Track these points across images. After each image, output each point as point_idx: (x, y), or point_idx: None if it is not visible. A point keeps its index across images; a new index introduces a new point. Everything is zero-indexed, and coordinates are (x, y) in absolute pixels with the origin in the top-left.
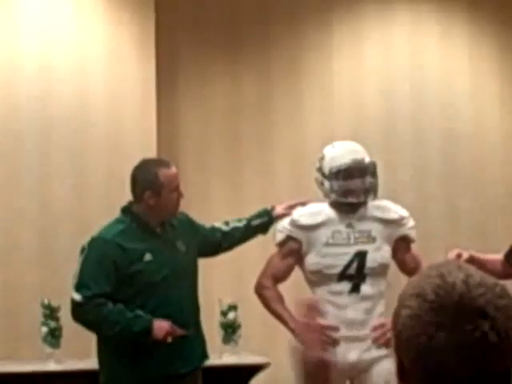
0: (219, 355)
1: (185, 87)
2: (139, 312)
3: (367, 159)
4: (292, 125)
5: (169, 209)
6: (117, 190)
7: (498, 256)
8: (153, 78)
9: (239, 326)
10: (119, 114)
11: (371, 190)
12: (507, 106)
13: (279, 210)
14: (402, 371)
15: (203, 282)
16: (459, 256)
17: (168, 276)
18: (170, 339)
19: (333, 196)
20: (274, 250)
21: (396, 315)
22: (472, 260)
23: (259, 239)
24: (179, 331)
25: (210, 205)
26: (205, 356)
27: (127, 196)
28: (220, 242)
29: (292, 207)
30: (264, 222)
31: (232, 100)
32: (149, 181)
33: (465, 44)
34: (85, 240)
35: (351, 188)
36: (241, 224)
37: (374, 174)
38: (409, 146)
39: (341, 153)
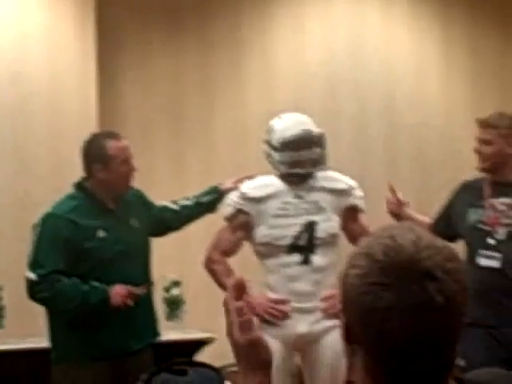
0: (163, 331)
1: (126, 63)
2: (95, 283)
3: (315, 130)
4: (234, 100)
5: (119, 182)
6: (58, 166)
7: (428, 219)
8: (93, 51)
9: (183, 302)
10: (59, 89)
11: (320, 161)
12: (446, 70)
13: (227, 184)
14: (348, 332)
15: None
16: (399, 203)
17: (121, 252)
18: (130, 302)
19: (282, 167)
20: (217, 225)
21: (344, 275)
22: (408, 217)
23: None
24: (137, 290)
25: (152, 181)
26: (156, 333)
27: (66, 172)
28: (170, 221)
29: (240, 181)
30: (213, 198)
31: (174, 75)
32: (98, 154)
33: (405, 13)
34: (26, 216)
35: (300, 159)
36: (190, 202)
37: (322, 145)
38: (351, 116)
39: (289, 124)
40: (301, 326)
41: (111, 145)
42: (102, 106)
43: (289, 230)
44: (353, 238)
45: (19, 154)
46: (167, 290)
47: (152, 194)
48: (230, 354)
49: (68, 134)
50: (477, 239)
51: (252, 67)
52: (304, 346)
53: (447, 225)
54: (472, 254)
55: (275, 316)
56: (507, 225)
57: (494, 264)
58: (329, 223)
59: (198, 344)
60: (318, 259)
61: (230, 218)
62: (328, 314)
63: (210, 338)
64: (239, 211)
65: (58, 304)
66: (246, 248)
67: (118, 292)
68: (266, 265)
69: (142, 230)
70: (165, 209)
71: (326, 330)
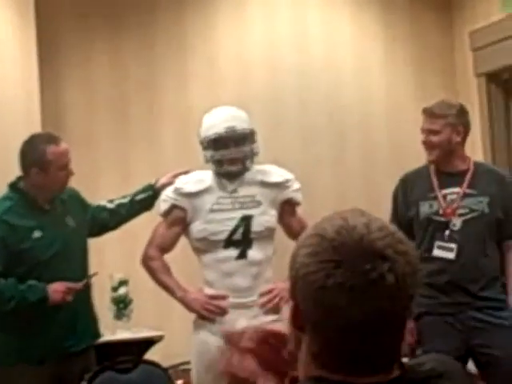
0: (112, 331)
1: (68, 62)
2: (32, 282)
3: (242, 126)
4: (178, 93)
5: (56, 186)
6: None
7: None
8: (34, 50)
9: (131, 301)
10: (1, 94)
11: (248, 157)
12: (390, 65)
13: (162, 180)
14: (295, 315)
15: (94, 259)
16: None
17: (58, 252)
18: (69, 297)
19: (211, 165)
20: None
21: (294, 255)
22: None
23: (149, 212)
24: (76, 286)
25: (96, 177)
26: (97, 335)
27: (8, 169)
28: (107, 220)
29: (175, 176)
30: (148, 196)
31: (117, 74)
32: (36, 158)
33: (347, 8)
34: None
35: (226, 157)
36: (125, 200)
37: (250, 140)
38: (294, 109)
39: (214, 122)
40: (240, 321)
41: (51, 150)
42: (45, 106)
43: (224, 224)
44: (291, 232)
45: None
46: (115, 289)
47: (96, 194)
48: (178, 352)
49: (10, 133)
50: (432, 231)
51: (195, 62)
52: None
53: (406, 220)
54: (426, 246)
55: (212, 312)
56: (461, 214)
57: (449, 255)
58: (265, 217)
59: (147, 343)
60: (254, 253)
61: (165, 214)
62: (266, 309)
63: (159, 336)
64: (174, 206)
65: None
66: (184, 242)
67: (56, 288)
68: (202, 260)
69: (78, 229)
70: (100, 208)
71: (266, 325)
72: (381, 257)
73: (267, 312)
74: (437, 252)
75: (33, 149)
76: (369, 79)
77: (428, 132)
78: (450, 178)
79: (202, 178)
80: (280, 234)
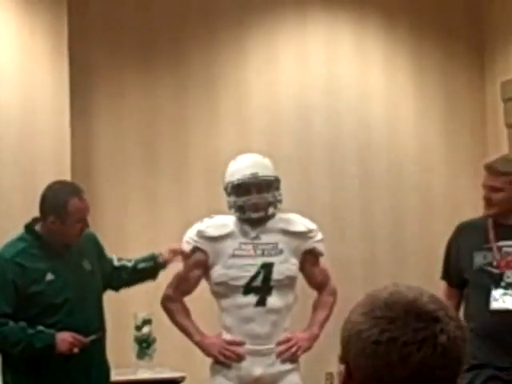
0: (134, 370)
1: (99, 99)
2: (41, 328)
3: (265, 173)
4: (208, 136)
5: (70, 237)
6: (30, 206)
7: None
8: (66, 87)
9: (154, 340)
10: (33, 127)
11: (271, 204)
12: (420, 112)
13: (165, 256)
14: (346, 378)
15: (117, 296)
16: None
17: (72, 297)
18: (76, 350)
19: (233, 211)
20: None
21: (346, 319)
22: None
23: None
24: (84, 340)
25: (124, 211)
26: (108, 382)
27: (35, 205)
28: (111, 277)
29: (175, 252)
30: (150, 266)
31: (147, 111)
32: (56, 206)
33: (380, 52)
34: None
35: (248, 203)
36: (129, 264)
37: (274, 188)
38: (325, 155)
39: (238, 168)
40: (256, 368)
41: (72, 203)
42: (75, 139)
43: (245, 270)
44: (312, 282)
45: None
46: (138, 328)
47: (125, 230)
48: None
49: (41, 171)
50: (487, 282)
51: (226, 103)
52: None
53: (458, 270)
54: (481, 298)
55: (229, 357)
56: None
57: (508, 306)
58: (286, 265)
59: (169, 383)
60: (273, 301)
61: (187, 256)
62: (283, 358)
63: (182, 377)
64: (196, 249)
65: (4, 347)
66: (205, 286)
67: (64, 338)
68: (221, 305)
69: (94, 273)
70: (108, 260)
71: (282, 374)
72: (433, 318)
73: (284, 361)
74: (494, 305)
75: (55, 197)
76: (399, 128)
77: (489, 189)
78: (507, 230)
79: (224, 222)
80: (302, 282)
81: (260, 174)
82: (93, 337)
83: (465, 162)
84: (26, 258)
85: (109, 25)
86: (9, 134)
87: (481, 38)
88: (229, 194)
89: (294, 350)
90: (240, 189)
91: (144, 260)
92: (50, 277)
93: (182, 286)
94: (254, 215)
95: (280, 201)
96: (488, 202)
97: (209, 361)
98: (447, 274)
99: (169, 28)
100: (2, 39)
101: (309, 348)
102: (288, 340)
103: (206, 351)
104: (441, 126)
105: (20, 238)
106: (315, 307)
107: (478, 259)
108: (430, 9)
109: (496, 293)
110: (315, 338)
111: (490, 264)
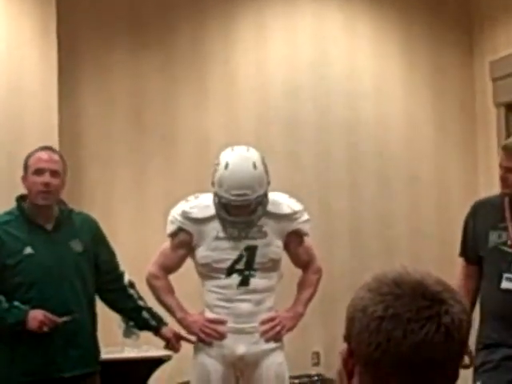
0: (120, 349)
1: (86, 79)
2: (16, 303)
3: (252, 193)
4: (196, 113)
5: (32, 194)
6: (12, 181)
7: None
8: (54, 63)
9: None
10: (20, 101)
11: (256, 212)
12: (409, 90)
13: (168, 333)
14: (347, 357)
15: None
16: None
17: (51, 272)
18: (45, 329)
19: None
20: None
21: (352, 299)
22: None
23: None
24: (56, 319)
25: (112, 197)
26: (95, 363)
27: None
28: (112, 295)
29: (178, 338)
30: (151, 324)
31: (134, 89)
32: (24, 163)
33: (368, 31)
34: None
35: (230, 212)
36: (137, 303)
37: (260, 201)
38: (313, 134)
39: (227, 183)
40: (239, 346)
41: (34, 155)
42: (63, 117)
43: (228, 253)
44: (297, 261)
45: None
46: None
47: (112, 206)
48: (187, 371)
49: (28, 145)
50: (500, 261)
51: (214, 81)
52: (244, 368)
53: (475, 248)
54: (494, 277)
55: (209, 335)
56: None
57: None
58: (269, 248)
59: (156, 362)
60: (256, 281)
61: (172, 235)
62: (267, 337)
63: (168, 355)
64: (181, 229)
65: None
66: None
67: (35, 316)
68: (205, 285)
69: (84, 254)
70: (118, 275)
71: (266, 353)
72: (439, 299)
73: (268, 340)
74: (505, 284)
75: (27, 156)
76: (388, 106)
77: (506, 169)
78: None
79: (209, 204)
80: (288, 262)
81: (247, 198)
82: (67, 318)
83: (453, 141)
84: (7, 230)
85: (96, 2)
86: None
87: (469, 17)
88: (215, 196)
89: (277, 329)
90: (225, 205)
91: (152, 317)
92: (28, 251)
93: (167, 265)
94: (238, 218)
95: (263, 206)
96: (504, 183)
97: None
98: (465, 251)
99: (157, 4)
100: None
101: (293, 327)
102: (272, 319)
103: (188, 328)
104: (429, 105)
105: (9, 212)
106: (300, 286)
107: (493, 238)
108: None
109: (508, 273)
110: (299, 316)
111: (505, 243)
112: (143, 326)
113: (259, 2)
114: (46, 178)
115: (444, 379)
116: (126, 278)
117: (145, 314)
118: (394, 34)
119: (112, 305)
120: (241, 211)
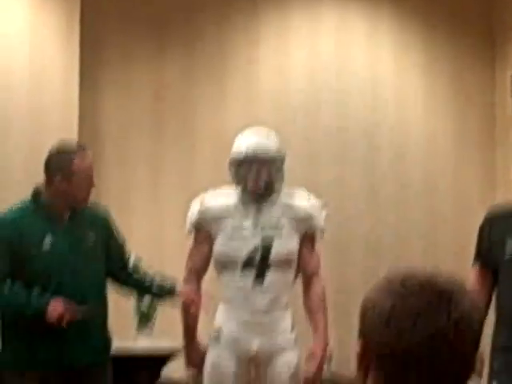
0: (134, 340)
1: (108, 72)
2: (36, 292)
3: (268, 150)
4: (215, 112)
5: (78, 197)
6: (35, 172)
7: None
8: (76, 60)
9: (155, 310)
10: (41, 96)
11: (274, 181)
12: (430, 101)
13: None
14: (363, 353)
15: None
16: None
17: (68, 262)
18: (64, 323)
19: (234, 183)
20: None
21: (364, 299)
22: None
23: (181, 223)
24: (75, 311)
25: (129, 192)
26: (107, 353)
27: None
28: (122, 274)
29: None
30: (166, 287)
31: (155, 84)
32: (62, 166)
33: (391, 40)
34: None
35: (250, 178)
36: (149, 277)
37: (278, 164)
38: (333, 139)
39: (241, 141)
40: (253, 342)
41: (78, 160)
42: (83, 117)
43: (245, 246)
44: (304, 264)
45: None
46: (139, 299)
47: (130, 199)
48: None
49: (49, 143)
50: None
51: (235, 81)
52: (258, 362)
53: (491, 254)
54: (510, 287)
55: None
56: None
57: None
58: (285, 242)
59: (169, 354)
60: (272, 277)
61: (191, 232)
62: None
63: (181, 348)
64: (199, 226)
65: None
66: None
67: (55, 307)
68: (221, 279)
69: (95, 247)
70: (120, 250)
71: (281, 350)
72: (449, 295)
73: (284, 336)
74: None
75: (60, 157)
76: (407, 106)
77: None
78: None
79: (226, 196)
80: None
81: (264, 149)
82: (84, 308)
83: (472, 153)
84: (26, 221)
85: None
86: (18, 107)
87: (491, 30)
88: (229, 165)
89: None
90: (242, 163)
91: (163, 284)
92: (47, 241)
93: (195, 266)
94: (256, 189)
95: (279, 180)
96: None
97: (208, 333)
98: (480, 256)
99: (181, 4)
100: (14, 12)
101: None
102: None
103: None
104: (449, 117)
105: (23, 203)
106: (310, 313)
107: (510, 246)
108: None
109: None
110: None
111: None
112: (161, 292)
113: (283, 6)
114: (91, 182)
115: (454, 375)
116: (132, 259)
117: (158, 282)
118: (415, 44)
119: (127, 288)
120: (260, 173)
